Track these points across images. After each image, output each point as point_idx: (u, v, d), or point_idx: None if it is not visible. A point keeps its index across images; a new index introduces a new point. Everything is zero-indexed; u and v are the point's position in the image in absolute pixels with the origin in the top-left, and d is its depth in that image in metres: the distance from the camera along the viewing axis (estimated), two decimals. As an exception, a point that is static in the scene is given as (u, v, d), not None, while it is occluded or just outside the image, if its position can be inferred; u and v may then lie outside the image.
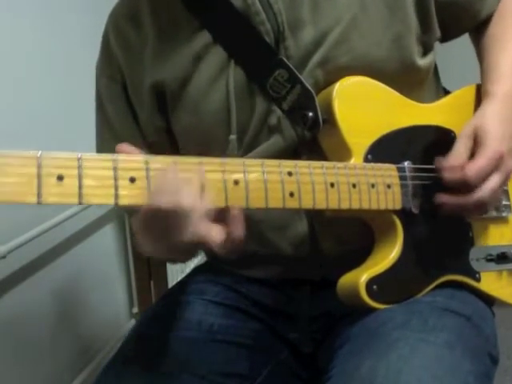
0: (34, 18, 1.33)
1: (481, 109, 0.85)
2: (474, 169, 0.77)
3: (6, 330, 1.23)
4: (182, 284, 1.01)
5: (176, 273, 1.88)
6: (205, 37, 0.81)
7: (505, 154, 0.79)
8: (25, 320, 1.30)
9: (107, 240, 1.69)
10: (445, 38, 0.93)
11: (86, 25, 1.49)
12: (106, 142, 0.92)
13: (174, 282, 1.06)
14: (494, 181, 0.78)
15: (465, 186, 0.78)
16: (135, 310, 1.77)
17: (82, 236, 1.53)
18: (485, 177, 0.78)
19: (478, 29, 0.95)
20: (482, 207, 0.81)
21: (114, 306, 1.73)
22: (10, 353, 1.25)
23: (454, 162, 0.79)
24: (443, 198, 0.79)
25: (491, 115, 0.82)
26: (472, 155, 0.80)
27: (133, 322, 1.79)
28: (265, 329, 0.90)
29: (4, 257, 1.15)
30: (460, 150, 0.80)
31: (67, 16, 1.45)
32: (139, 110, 0.88)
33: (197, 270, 1.04)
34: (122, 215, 1.70)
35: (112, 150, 0.91)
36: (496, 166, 0.78)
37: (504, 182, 0.81)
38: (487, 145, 0.79)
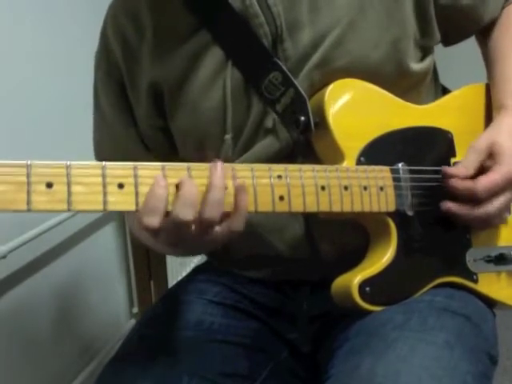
0: (34, 19, 1.33)
1: (496, 122, 0.84)
2: (485, 183, 0.77)
3: (6, 330, 1.24)
4: (182, 284, 1.01)
5: (176, 273, 1.89)
6: (203, 37, 0.81)
7: None
8: (25, 320, 1.30)
9: (107, 240, 1.69)
10: (448, 42, 0.92)
11: (86, 24, 1.49)
12: (101, 136, 0.93)
13: (174, 282, 1.06)
14: (502, 199, 0.78)
15: (471, 198, 0.78)
16: (135, 309, 1.77)
17: (82, 236, 1.53)
18: (494, 194, 0.78)
19: (484, 33, 0.94)
20: (485, 222, 0.81)
21: (114, 306, 1.73)
22: (10, 353, 1.25)
23: (464, 171, 0.78)
24: (448, 205, 0.79)
25: (507, 132, 0.82)
26: (482, 169, 0.79)
27: (133, 321, 1.79)
28: (264, 329, 0.90)
29: (4, 257, 1.15)
30: (471, 160, 0.79)
31: (67, 16, 1.45)
32: (136, 106, 0.88)
33: (197, 270, 1.04)
34: (122, 215, 1.70)
35: (105, 143, 0.92)
36: (509, 185, 0.78)
37: (509, 204, 0.81)
38: (503, 162, 0.78)
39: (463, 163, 0.80)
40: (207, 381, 0.81)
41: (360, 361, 0.69)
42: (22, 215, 1.20)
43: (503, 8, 0.94)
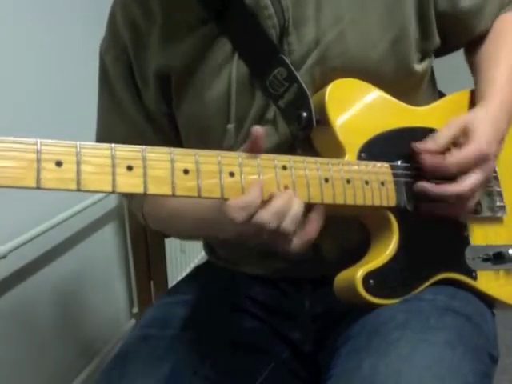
0: (33, 12, 1.32)
1: (473, 111, 0.85)
2: (456, 157, 0.76)
3: (6, 330, 1.24)
4: (183, 284, 1.02)
5: (176, 273, 1.89)
6: (212, 28, 0.82)
7: (491, 156, 0.79)
8: (25, 320, 1.30)
9: (107, 240, 1.69)
10: (442, 51, 0.93)
11: (85, 19, 1.49)
12: (111, 120, 0.93)
13: (174, 282, 1.06)
14: (475, 177, 0.77)
15: (441, 174, 0.77)
16: (135, 309, 1.77)
17: (82, 236, 1.53)
18: (466, 169, 0.77)
19: (472, 47, 0.95)
20: (461, 203, 0.80)
21: (113, 306, 1.73)
22: (10, 353, 1.25)
23: (434, 145, 0.78)
24: (422, 184, 0.78)
25: (483, 117, 0.82)
26: (455, 146, 0.79)
27: (133, 321, 1.79)
28: (266, 328, 0.91)
29: (4, 257, 1.15)
30: (443, 135, 0.79)
31: (65, 11, 1.45)
32: (144, 92, 0.89)
33: (197, 270, 1.04)
34: (122, 215, 1.71)
35: (117, 127, 0.92)
36: (480, 163, 0.77)
37: (484, 183, 0.80)
38: (476, 139, 0.78)
39: (435, 137, 0.79)
40: (208, 380, 0.81)
41: (362, 360, 0.69)
42: (22, 215, 1.20)
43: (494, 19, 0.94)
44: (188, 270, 1.97)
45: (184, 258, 1.99)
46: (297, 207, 0.67)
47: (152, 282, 1.75)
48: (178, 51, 0.84)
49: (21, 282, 1.28)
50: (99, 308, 1.63)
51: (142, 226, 1.66)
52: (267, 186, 0.68)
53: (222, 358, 0.84)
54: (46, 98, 1.36)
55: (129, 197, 0.97)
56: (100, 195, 1.52)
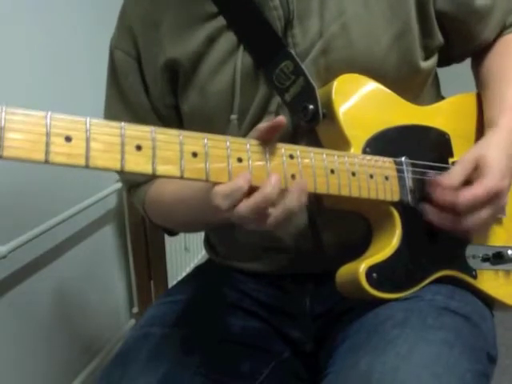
0: (33, 12, 1.32)
1: (485, 138, 0.84)
2: (467, 196, 0.76)
3: (6, 330, 1.24)
4: (183, 283, 1.02)
5: (176, 273, 1.89)
6: (219, 21, 0.83)
7: (504, 192, 0.79)
8: (25, 320, 1.30)
9: (107, 240, 1.69)
10: (448, 60, 0.94)
11: (85, 19, 1.49)
12: (117, 114, 0.93)
13: (174, 282, 1.06)
14: (484, 214, 0.77)
15: (452, 210, 0.77)
16: (135, 309, 1.77)
17: (82, 236, 1.53)
18: (476, 207, 0.77)
19: (478, 61, 0.95)
20: (466, 234, 0.81)
21: (113, 306, 1.73)
22: (10, 352, 1.25)
23: (448, 181, 0.78)
24: (430, 215, 0.79)
25: (496, 148, 0.81)
26: (468, 182, 0.78)
27: (133, 321, 1.79)
28: (267, 328, 0.91)
29: (4, 257, 1.15)
30: (458, 171, 0.79)
31: (66, 11, 1.45)
32: (152, 85, 0.90)
33: (197, 270, 1.05)
34: (122, 215, 1.71)
35: (124, 119, 0.92)
36: (491, 200, 0.77)
37: (494, 218, 0.80)
38: (489, 176, 0.77)
39: (449, 173, 0.79)
40: (209, 379, 0.81)
41: (359, 358, 0.69)
42: (22, 215, 1.20)
43: (499, 35, 0.95)
44: (188, 269, 1.97)
45: (184, 257, 1.99)
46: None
47: (152, 282, 1.75)
48: (187, 45, 0.85)
49: (21, 282, 1.28)
50: (99, 308, 1.63)
51: (143, 227, 1.67)
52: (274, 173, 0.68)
53: (223, 357, 0.85)
54: (46, 98, 1.35)
55: (130, 191, 0.97)
56: (100, 195, 1.52)
